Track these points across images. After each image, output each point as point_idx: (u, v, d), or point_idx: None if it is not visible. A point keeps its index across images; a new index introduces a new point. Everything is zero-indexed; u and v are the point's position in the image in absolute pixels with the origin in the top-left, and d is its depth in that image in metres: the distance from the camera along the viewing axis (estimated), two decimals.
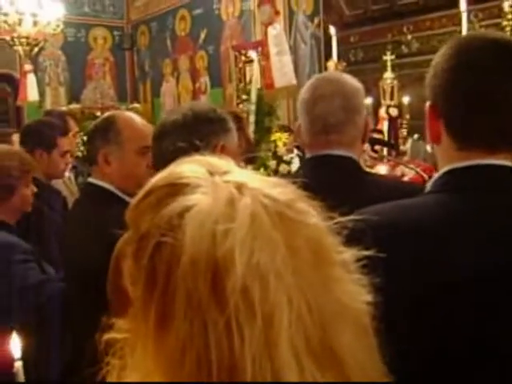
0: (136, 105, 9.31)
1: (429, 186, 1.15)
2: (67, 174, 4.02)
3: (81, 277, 1.77)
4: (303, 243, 0.60)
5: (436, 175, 1.15)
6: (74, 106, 8.61)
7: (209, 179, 0.62)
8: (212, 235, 0.56)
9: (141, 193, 0.65)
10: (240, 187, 0.60)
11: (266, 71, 4.88)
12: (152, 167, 1.66)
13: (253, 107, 5.22)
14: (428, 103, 1.18)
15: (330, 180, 1.62)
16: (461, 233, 1.04)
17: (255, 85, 5.42)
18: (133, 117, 2.02)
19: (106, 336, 0.66)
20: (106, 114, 2.09)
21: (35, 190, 2.51)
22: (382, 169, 3.77)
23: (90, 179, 2.02)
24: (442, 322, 1.00)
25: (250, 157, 3.25)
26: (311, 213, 0.63)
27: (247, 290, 0.55)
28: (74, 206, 2.18)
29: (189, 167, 0.64)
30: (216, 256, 0.56)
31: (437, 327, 1.00)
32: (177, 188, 0.61)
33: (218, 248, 0.56)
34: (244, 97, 6.12)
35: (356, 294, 0.63)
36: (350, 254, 0.65)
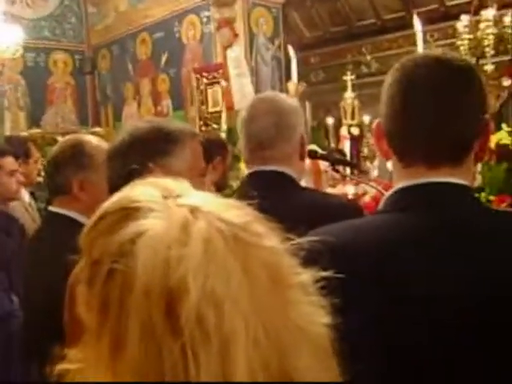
0: (98, 129, 9.24)
1: (381, 204, 1.16)
2: (27, 199, 3.95)
3: (44, 306, 1.72)
4: (260, 267, 0.59)
5: (387, 194, 1.17)
6: (34, 130, 8.51)
7: (162, 203, 0.60)
8: (165, 262, 0.55)
9: (93, 218, 0.63)
10: (194, 211, 0.59)
11: (226, 93, 4.90)
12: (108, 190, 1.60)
13: (223, 134, 5.23)
14: (376, 121, 1.20)
15: (263, 193, 1.67)
16: (410, 251, 1.05)
17: (224, 111, 5.43)
18: (97, 140, 1.99)
19: (59, 367, 0.64)
20: (67, 140, 2.03)
21: None
22: (344, 188, 3.81)
23: (53, 208, 1.96)
24: (398, 342, 1.00)
25: (221, 185, 3.26)
26: (267, 235, 0.62)
27: (202, 317, 0.54)
28: (35, 237, 2.12)
29: (142, 190, 0.63)
30: (169, 283, 0.54)
31: (394, 346, 1.01)
32: (129, 212, 0.60)
33: (171, 275, 0.54)
34: (214, 125, 6.12)
35: (314, 316, 0.62)
36: (307, 276, 0.64)
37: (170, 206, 0.60)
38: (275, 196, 1.71)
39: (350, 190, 3.72)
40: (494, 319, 0.99)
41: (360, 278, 1.03)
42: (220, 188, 3.27)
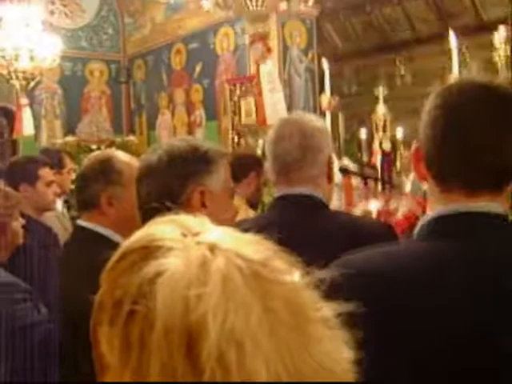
0: (131, 137, 9.36)
1: (416, 231, 1.14)
2: (60, 208, 4.02)
3: (72, 321, 1.74)
4: (280, 303, 0.58)
5: (422, 220, 1.15)
6: (69, 138, 8.65)
7: (181, 241, 0.60)
8: (184, 301, 0.55)
9: (115, 256, 0.64)
10: (213, 248, 0.59)
11: (258, 108, 4.91)
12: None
13: (259, 151, 5.24)
14: (414, 144, 1.19)
15: (291, 218, 1.68)
16: (448, 281, 1.03)
17: (260, 128, 5.43)
18: (126, 156, 2.01)
19: None
20: (96, 155, 2.06)
21: (23, 222, 2.51)
22: (375, 203, 3.78)
23: (82, 222, 1.99)
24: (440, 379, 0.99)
25: (254, 201, 3.27)
26: (288, 270, 0.61)
27: (223, 355, 0.54)
28: (64, 250, 2.15)
29: (161, 228, 0.63)
30: (189, 323, 0.55)
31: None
32: (149, 251, 0.60)
33: (191, 314, 0.55)
34: (250, 140, 6.13)
35: (337, 352, 0.62)
36: (330, 310, 0.64)
37: (188, 245, 0.60)
38: (304, 221, 1.71)
39: (380, 206, 3.69)
40: None
41: (390, 306, 1.02)
42: (253, 204, 3.28)
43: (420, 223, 1.14)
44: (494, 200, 1.08)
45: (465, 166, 1.09)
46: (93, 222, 1.94)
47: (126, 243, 0.64)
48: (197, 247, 0.59)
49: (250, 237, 0.64)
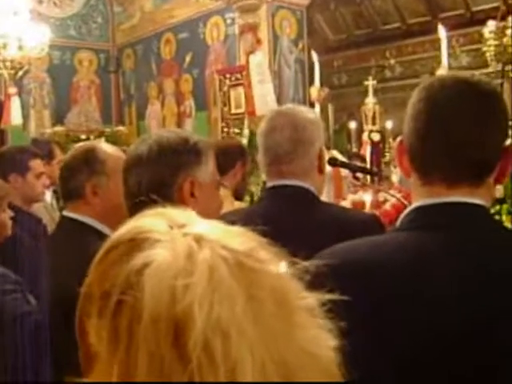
0: (121, 128, 9.32)
1: (399, 221, 1.17)
2: (49, 199, 4.00)
3: (62, 312, 1.74)
4: (265, 293, 0.60)
5: (405, 212, 1.17)
6: (58, 128, 8.61)
7: (168, 233, 0.62)
8: (171, 291, 0.56)
9: (103, 248, 0.65)
10: (199, 239, 0.60)
11: (248, 99, 4.91)
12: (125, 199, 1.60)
13: (245, 141, 5.24)
14: (398, 138, 1.21)
15: (281, 209, 1.70)
16: (430, 270, 1.05)
17: (248, 118, 5.44)
18: (110, 147, 2.03)
19: None
20: (79, 146, 2.07)
21: (12, 214, 2.50)
22: (364, 195, 3.80)
23: (67, 213, 2.00)
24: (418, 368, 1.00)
25: (239, 193, 3.27)
26: (272, 260, 0.63)
27: (209, 345, 0.55)
28: (51, 242, 2.16)
29: (149, 221, 0.64)
30: (176, 312, 0.56)
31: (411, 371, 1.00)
32: (136, 243, 0.61)
33: (178, 304, 0.56)
34: (235, 130, 6.13)
35: (321, 340, 0.63)
36: (314, 299, 0.65)
37: (175, 236, 0.61)
38: (294, 212, 1.72)
39: (369, 198, 3.71)
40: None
41: (375, 297, 1.03)
42: (239, 194, 3.28)
43: (402, 214, 1.17)
44: (474, 192, 1.10)
45: (447, 160, 1.11)
46: (78, 213, 1.95)
47: (114, 235, 0.65)
48: (183, 239, 0.60)
49: (235, 229, 0.65)
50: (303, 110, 1.86)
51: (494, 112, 1.13)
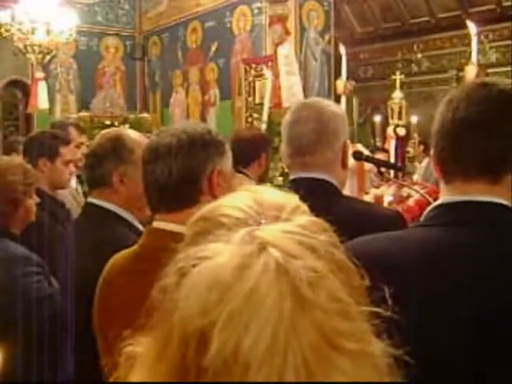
0: (145, 115, 9.36)
1: (422, 217, 1.19)
2: (74, 184, 4.04)
3: (86, 295, 1.76)
4: (309, 326, 0.53)
5: (428, 208, 1.19)
6: (83, 113, 8.66)
7: (242, 227, 0.58)
8: (203, 303, 0.53)
9: (189, 223, 0.64)
10: (262, 249, 0.55)
11: (275, 90, 4.90)
12: (144, 193, 1.58)
13: (264, 126, 5.22)
14: (432, 151, 1.24)
15: (303, 202, 1.68)
16: (446, 266, 1.05)
17: (267, 104, 5.43)
18: (137, 134, 2.03)
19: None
20: (106, 133, 2.07)
21: (38, 200, 2.53)
22: (387, 190, 3.77)
23: (92, 200, 2.01)
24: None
25: (262, 179, 3.28)
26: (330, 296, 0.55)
27: (226, 367, 0.51)
28: (75, 228, 2.17)
29: (236, 202, 0.61)
30: (200, 325, 0.53)
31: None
32: (212, 225, 0.59)
33: (204, 317, 0.53)
34: (255, 115, 6.12)
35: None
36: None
37: (243, 236, 0.57)
38: (316, 205, 1.71)
39: (392, 193, 3.69)
40: None
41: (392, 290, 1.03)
42: (261, 182, 3.28)
43: (426, 210, 1.20)
44: (492, 190, 1.12)
45: (465, 157, 1.14)
46: (103, 200, 1.96)
47: (202, 210, 0.63)
48: (250, 242, 0.56)
49: (311, 242, 0.58)
50: (328, 104, 1.86)
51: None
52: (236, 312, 0.52)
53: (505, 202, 1.12)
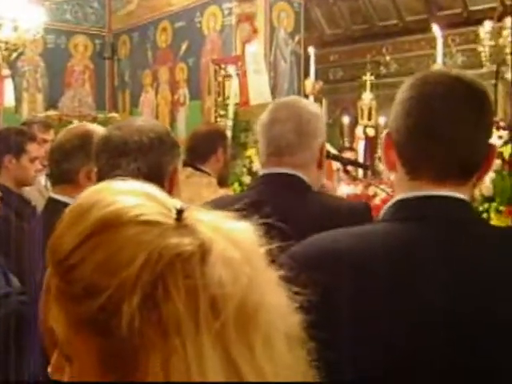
0: (114, 114, 9.27)
1: (381, 213, 1.17)
2: (43, 181, 3.98)
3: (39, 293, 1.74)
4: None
5: (388, 203, 1.17)
6: (51, 112, 8.54)
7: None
8: None
9: None
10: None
11: (242, 88, 4.90)
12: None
13: (230, 123, 5.22)
14: (385, 131, 1.21)
15: (275, 197, 1.67)
16: (414, 260, 1.06)
17: (233, 101, 5.44)
18: (103, 129, 2.01)
19: None
20: (73, 128, 2.05)
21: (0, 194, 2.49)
22: (354, 189, 3.81)
23: (55, 195, 1.99)
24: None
25: (223, 176, 3.22)
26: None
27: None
28: (36, 222, 2.14)
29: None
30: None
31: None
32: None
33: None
34: (221, 112, 6.12)
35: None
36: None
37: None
38: (288, 199, 1.71)
39: (359, 191, 3.72)
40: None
41: (358, 289, 1.04)
42: (222, 179, 3.22)
43: (385, 206, 1.17)
44: (460, 189, 1.12)
45: (435, 157, 1.12)
46: (68, 196, 1.93)
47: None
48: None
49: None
50: (307, 103, 1.84)
51: (484, 111, 1.14)
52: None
53: (467, 199, 1.13)
